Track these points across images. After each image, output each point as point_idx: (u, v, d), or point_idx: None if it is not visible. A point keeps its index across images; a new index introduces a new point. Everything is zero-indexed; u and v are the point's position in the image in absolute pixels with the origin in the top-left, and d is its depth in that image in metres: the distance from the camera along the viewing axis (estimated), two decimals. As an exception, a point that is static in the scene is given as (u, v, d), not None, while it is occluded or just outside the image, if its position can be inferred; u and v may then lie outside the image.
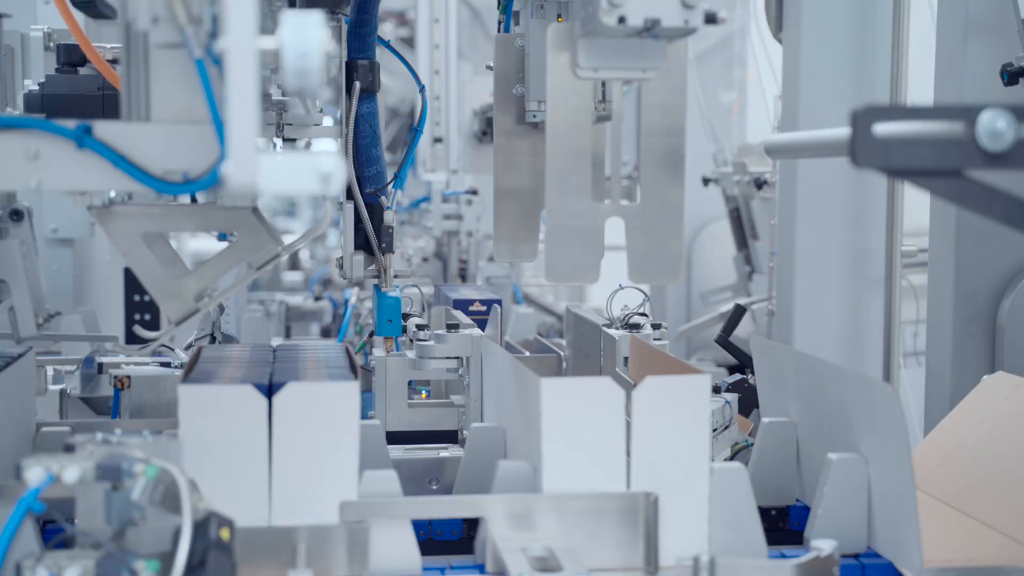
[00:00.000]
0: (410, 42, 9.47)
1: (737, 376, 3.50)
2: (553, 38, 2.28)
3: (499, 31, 2.95)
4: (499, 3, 2.95)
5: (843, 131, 2.15)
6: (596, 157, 2.42)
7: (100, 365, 3.19)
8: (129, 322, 4.61)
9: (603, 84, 2.68)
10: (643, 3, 2.07)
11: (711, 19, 2.10)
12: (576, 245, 2.35)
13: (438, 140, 6.96)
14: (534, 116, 2.81)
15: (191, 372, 2.37)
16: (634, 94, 2.55)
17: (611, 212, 2.38)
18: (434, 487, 2.68)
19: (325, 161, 1.81)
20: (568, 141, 2.33)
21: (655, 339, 3.00)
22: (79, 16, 2.74)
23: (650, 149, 2.36)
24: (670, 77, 2.32)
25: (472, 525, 2.32)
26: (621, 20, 2.07)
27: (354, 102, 2.95)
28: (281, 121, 2.94)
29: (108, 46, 2.56)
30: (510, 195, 2.87)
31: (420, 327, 3.00)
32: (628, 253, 2.41)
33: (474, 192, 6.39)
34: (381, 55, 3.07)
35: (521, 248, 2.88)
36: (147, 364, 3.06)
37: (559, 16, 2.64)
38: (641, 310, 3.13)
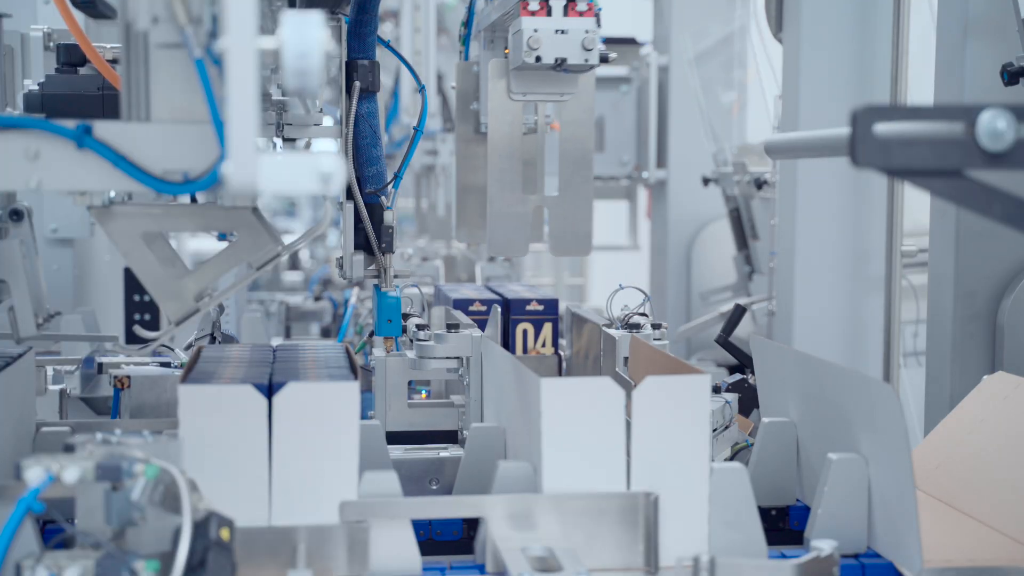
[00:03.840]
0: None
1: (737, 376, 3.49)
2: (493, 70, 2.99)
3: (460, 59, 3.54)
4: (460, 37, 3.51)
5: (843, 131, 2.15)
6: (527, 160, 3.16)
7: (100, 365, 3.19)
8: (129, 322, 4.61)
9: (535, 105, 3.26)
10: (553, 47, 2.76)
11: (604, 59, 2.81)
12: (511, 227, 3.10)
13: None
14: (486, 127, 3.23)
15: (191, 372, 2.37)
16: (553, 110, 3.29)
17: (538, 201, 3.15)
18: (434, 487, 2.68)
19: (325, 161, 1.81)
20: (504, 148, 3.06)
21: (655, 339, 3.00)
22: (79, 16, 2.74)
23: (566, 153, 3.10)
24: (580, 99, 3.06)
25: (472, 525, 2.32)
26: (538, 59, 2.76)
27: (354, 102, 2.95)
28: (281, 121, 2.94)
29: (108, 46, 2.56)
30: (469, 190, 3.47)
31: (420, 327, 3.00)
32: (550, 232, 3.14)
33: None
34: (381, 55, 3.07)
35: (477, 232, 3.48)
36: (147, 364, 3.06)
37: (506, 48, 3.11)
38: (641, 310, 3.13)
